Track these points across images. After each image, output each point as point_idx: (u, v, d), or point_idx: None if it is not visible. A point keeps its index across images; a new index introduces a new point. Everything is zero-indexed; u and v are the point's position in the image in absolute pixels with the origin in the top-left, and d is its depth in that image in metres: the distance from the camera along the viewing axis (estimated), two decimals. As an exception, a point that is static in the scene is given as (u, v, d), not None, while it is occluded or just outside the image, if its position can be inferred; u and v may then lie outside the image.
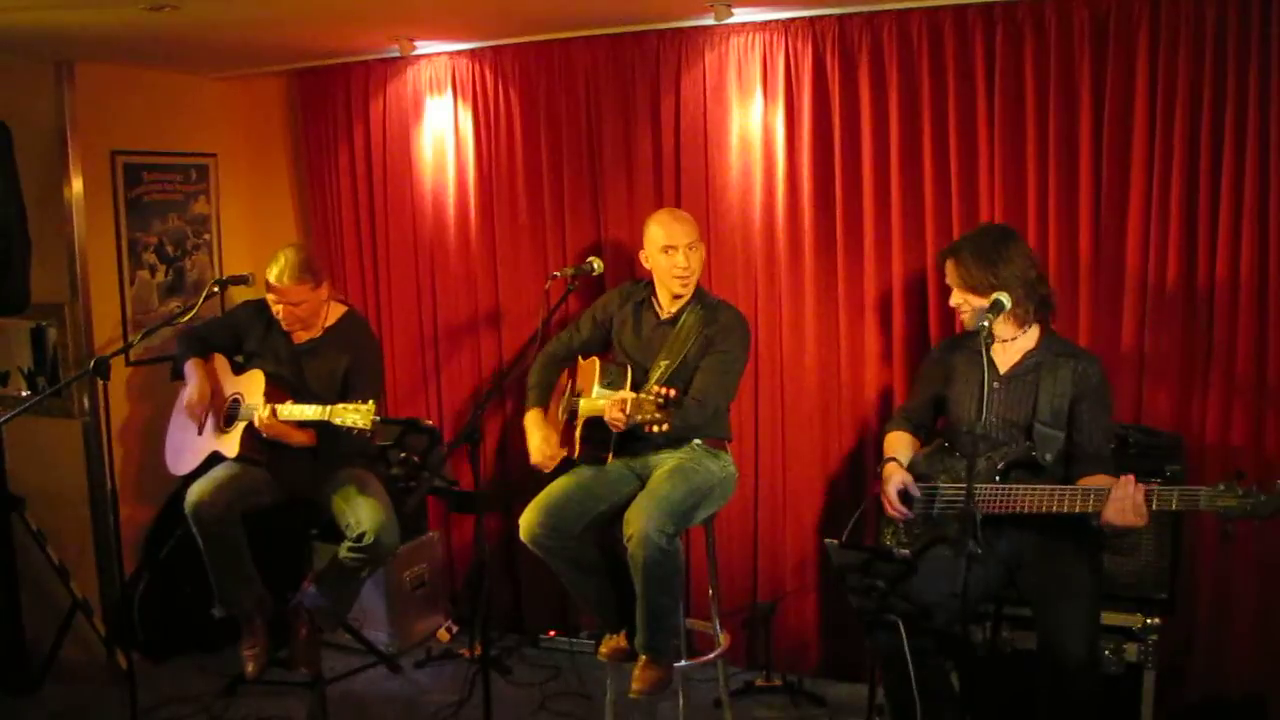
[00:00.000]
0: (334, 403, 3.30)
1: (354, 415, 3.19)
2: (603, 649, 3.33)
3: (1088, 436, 2.80)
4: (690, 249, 3.27)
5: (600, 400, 3.16)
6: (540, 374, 3.51)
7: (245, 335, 3.68)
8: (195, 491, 3.42)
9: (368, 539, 3.38)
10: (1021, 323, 2.88)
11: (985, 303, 2.81)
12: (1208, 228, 3.14)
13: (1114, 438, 2.93)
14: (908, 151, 3.46)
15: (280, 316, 3.53)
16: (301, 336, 3.62)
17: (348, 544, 3.44)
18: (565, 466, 3.38)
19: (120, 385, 4.11)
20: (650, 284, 3.41)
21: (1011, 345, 2.91)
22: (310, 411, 3.31)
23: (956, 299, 2.91)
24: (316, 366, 3.59)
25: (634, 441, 3.23)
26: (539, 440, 3.33)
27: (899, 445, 3.07)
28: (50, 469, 4.05)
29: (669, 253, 3.27)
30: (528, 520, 3.18)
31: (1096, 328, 3.30)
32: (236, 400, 3.55)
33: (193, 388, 3.54)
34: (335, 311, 3.67)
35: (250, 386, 3.53)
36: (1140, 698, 2.99)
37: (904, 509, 2.92)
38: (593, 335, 3.51)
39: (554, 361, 3.53)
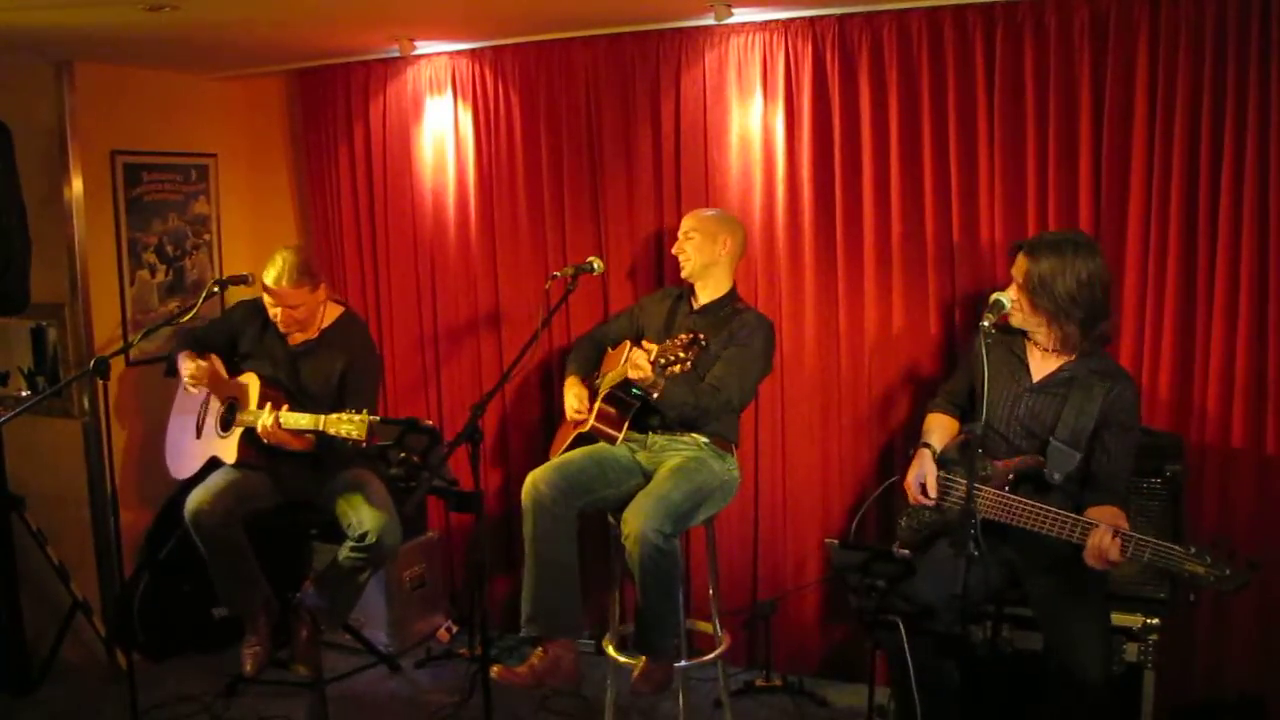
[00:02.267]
0: (330, 405, 3.29)
1: (348, 426, 3.16)
2: (507, 671, 3.19)
3: (1105, 466, 2.76)
4: (685, 238, 3.40)
5: (622, 366, 3.24)
6: (579, 352, 3.66)
7: (240, 336, 3.67)
8: (194, 500, 3.42)
9: (370, 539, 3.38)
10: (1072, 349, 2.81)
11: (1038, 318, 2.78)
12: (1207, 227, 3.14)
13: (1133, 468, 2.85)
14: (908, 151, 3.46)
15: (278, 320, 3.51)
16: (298, 338, 3.60)
17: (349, 544, 3.44)
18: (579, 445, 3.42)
19: (120, 386, 4.12)
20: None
21: (1050, 354, 2.86)
22: (305, 421, 3.28)
23: (1012, 295, 2.81)
24: (313, 368, 3.57)
25: (647, 416, 3.31)
26: (573, 396, 3.48)
27: (935, 428, 3.07)
28: (50, 469, 4.05)
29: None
30: (534, 479, 3.21)
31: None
32: (233, 404, 3.55)
33: (190, 368, 3.51)
34: (332, 312, 3.66)
35: (246, 390, 3.53)
36: (1140, 698, 2.99)
37: (924, 498, 2.93)
38: (626, 327, 3.62)
39: (592, 344, 3.67)
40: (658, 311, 3.53)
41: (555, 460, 3.30)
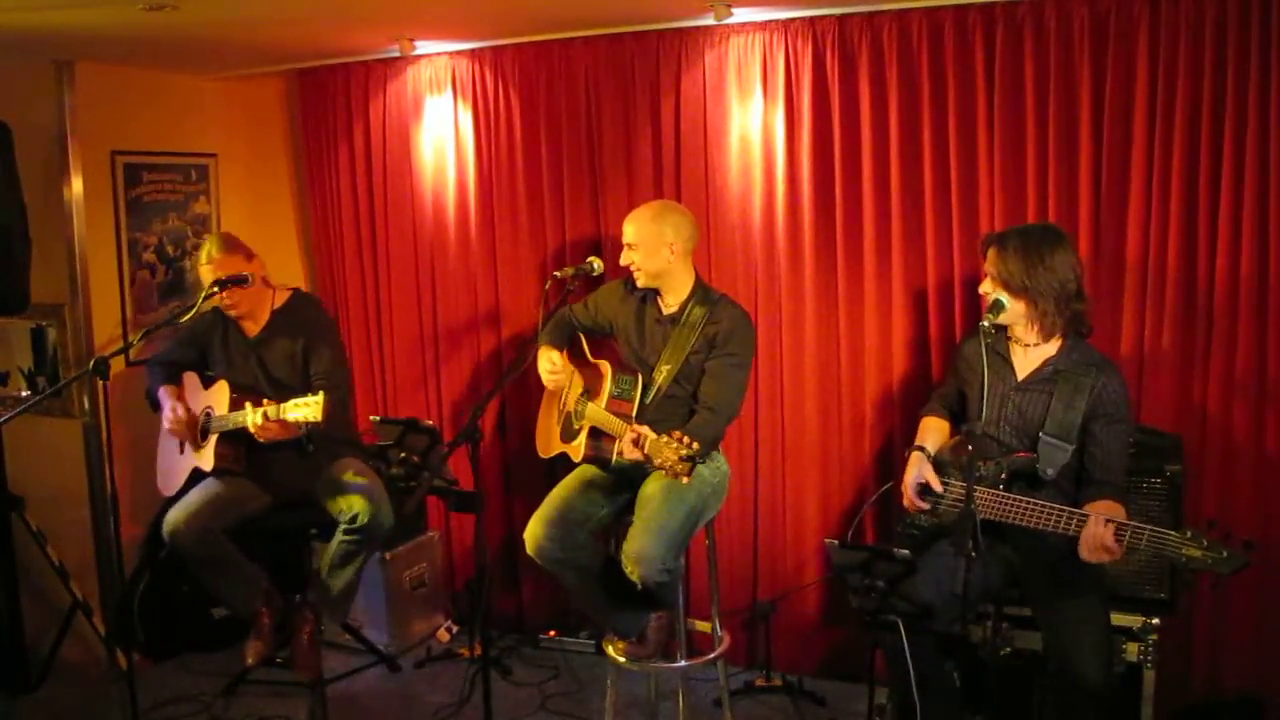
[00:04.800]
0: (301, 388, 3.28)
1: (303, 409, 3.16)
2: (618, 647, 3.34)
3: (1100, 459, 2.75)
4: (629, 248, 3.24)
5: (610, 416, 3.14)
6: (551, 326, 3.48)
7: (207, 345, 3.70)
8: (170, 520, 3.43)
9: (361, 519, 3.39)
10: (1048, 334, 2.82)
11: (1015, 303, 2.78)
12: (1207, 228, 3.14)
13: (1129, 457, 2.85)
14: (908, 151, 3.46)
15: (226, 304, 3.54)
16: (253, 329, 3.63)
17: (342, 528, 3.44)
18: (564, 468, 3.38)
19: (120, 386, 4.11)
20: None
21: (1033, 351, 2.86)
22: (260, 413, 3.28)
23: (987, 287, 2.84)
24: (274, 354, 3.60)
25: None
26: (545, 358, 3.35)
27: (929, 431, 3.07)
28: (50, 469, 4.05)
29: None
30: (534, 534, 3.18)
31: (1096, 328, 3.28)
32: (209, 414, 3.56)
33: (168, 416, 3.57)
34: (281, 296, 3.69)
35: (219, 398, 3.54)
36: (1140, 698, 2.99)
37: (920, 503, 2.92)
38: (589, 321, 3.51)
39: (563, 323, 3.52)
40: (624, 311, 3.39)
41: (545, 509, 3.22)
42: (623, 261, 3.27)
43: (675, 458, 2.76)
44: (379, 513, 3.43)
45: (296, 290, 3.77)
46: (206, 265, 3.53)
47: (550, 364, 3.34)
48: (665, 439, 2.79)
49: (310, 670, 3.54)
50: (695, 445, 2.77)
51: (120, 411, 4.10)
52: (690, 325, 3.22)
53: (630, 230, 3.25)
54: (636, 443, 2.90)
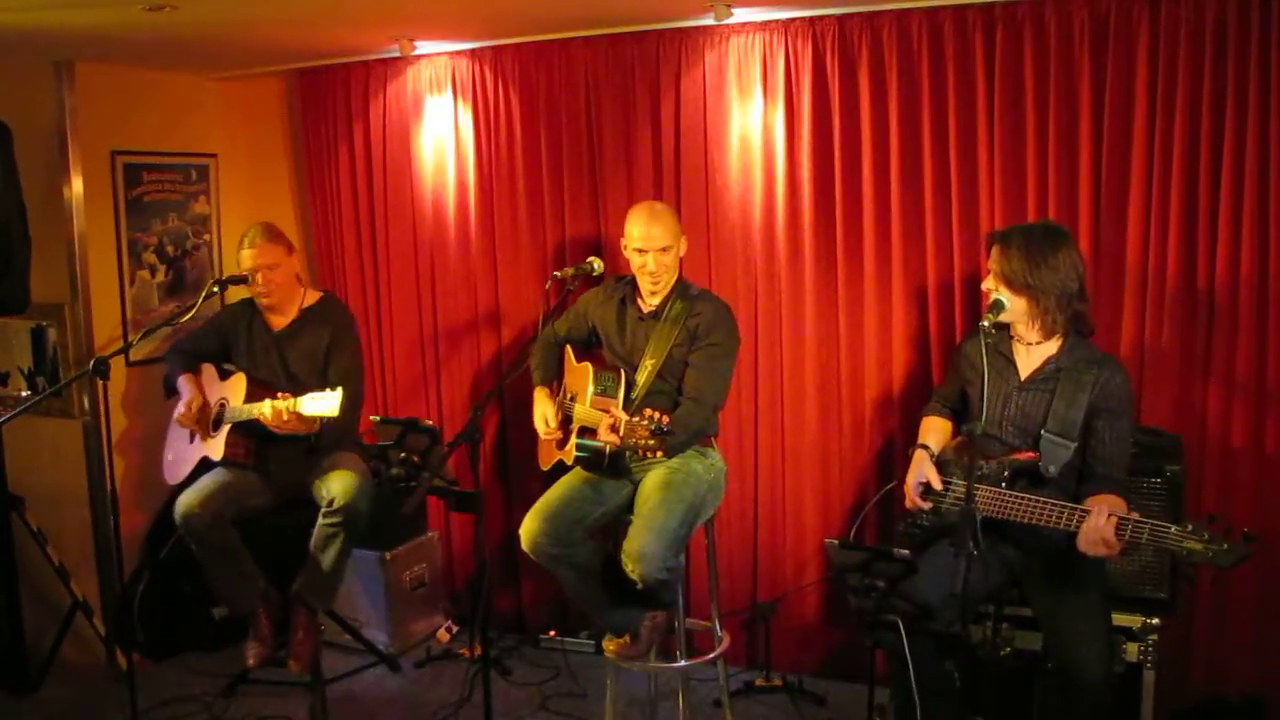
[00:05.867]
0: (318, 384, 3.30)
1: (320, 403, 3.19)
2: (610, 646, 3.34)
3: (1101, 454, 2.75)
4: (663, 252, 3.20)
5: (594, 411, 3.16)
6: (540, 356, 3.52)
7: (231, 336, 3.71)
8: (183, 503, 3.43)
9: (337, 503, 3.40)
10: (1049, 332, 2.82)
11: (1018, 299, 2.77)
12: (1207, 228, 3.14)
13: (1131, 455, 2.84)
14: (908, 151, 3.46)
15: (259, 286, 3.56)
16: (279, 322, 3.65)
17: (321, 512, 3.45)
18: (560, 469, 3.38)
19: (120, 386, 4.12)
20: (633, 279, 3.35)
21: (1035, 349, 2.85)
22: (284, 406, 3.29)
23: (989, 284, 2.83)
24: (297, 349, 3.62)
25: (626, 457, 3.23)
26: (540, 416, 3.37)
27: (931, 430, 3.07)
28: (50, 469, 4.05)
29: (640, 254, 3.23)
30: (529, 530, 3.18)
31: (1097, 328, 3.29)
32: (223, 404, 3.57)
33: (184, 402, 3.58)
34: (312, 296, 3.73)
35: (235, 390, 3.55)
36: (1140, 698, 2.99)
37: (922, 502, 2.92)
38: (575, 332, 3.51)
39: (549, 346, 3.55)
40: (606, 316, 3.39)
41: (539, 508, 3.22)
42: (654, 267, 3.21)
43: (645, 434, 2.79)
44: (356, 498, 3.42)
45: (328, 293, 3.81)
46: (248, 249, 3.56)
47: (546, 427, 3.35)
48: (637, 419, 2.83)
49: (303, 665, 3.51)
50: (665, 419, 2.80)
51: (121, 410, 4.12)
52: (671, 320, 3.23)
53: (663, 233, 3.19)
54: (614, 428, 2.93)
